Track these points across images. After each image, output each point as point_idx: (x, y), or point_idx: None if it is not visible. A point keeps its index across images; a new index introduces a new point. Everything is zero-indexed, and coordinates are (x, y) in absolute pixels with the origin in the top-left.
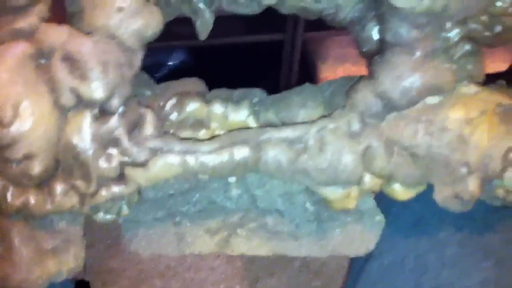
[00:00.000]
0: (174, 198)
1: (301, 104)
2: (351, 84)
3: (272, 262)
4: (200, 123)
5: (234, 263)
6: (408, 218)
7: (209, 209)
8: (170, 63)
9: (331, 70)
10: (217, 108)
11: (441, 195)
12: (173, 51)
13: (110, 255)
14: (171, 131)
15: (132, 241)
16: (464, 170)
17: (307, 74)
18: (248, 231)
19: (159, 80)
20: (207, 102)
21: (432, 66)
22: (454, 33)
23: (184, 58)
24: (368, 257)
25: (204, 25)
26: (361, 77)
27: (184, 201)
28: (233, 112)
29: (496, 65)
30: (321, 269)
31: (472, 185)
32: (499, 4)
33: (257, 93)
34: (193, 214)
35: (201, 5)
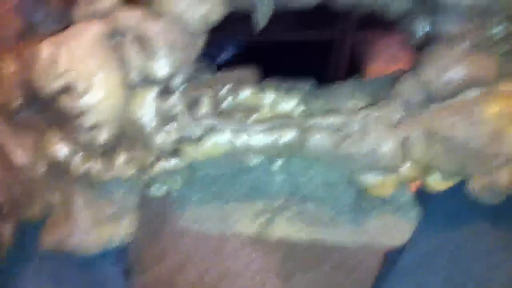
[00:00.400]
0: (221, 180)
1: (349, 95)
2: (396, 79)
3: (309, 256)
4: (252, 109)
5: (272, 256)
6: (444, 211)
7: (253, 193)
8: (223, 57)
9: (380, 72)
10: (269, 96)
11: (476, 185)
12: (227, 46)
13: (151, 241)
14: (225, 114)
15: (180, 218)
16: (498, 161)
17: (355, 75)
18: (290, 216)
19: None
20: (260, 90)
21: (475, 59)
22: (499, 29)
23: (235, 54)
24: (402, 248)
25: (263, 14)
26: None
27: (231, 183)
28: (283, 100)
29: None
30: (358, 265)
31: (505, 176)
32: None
33: (308, 84)
34: (238, 196)
35: None
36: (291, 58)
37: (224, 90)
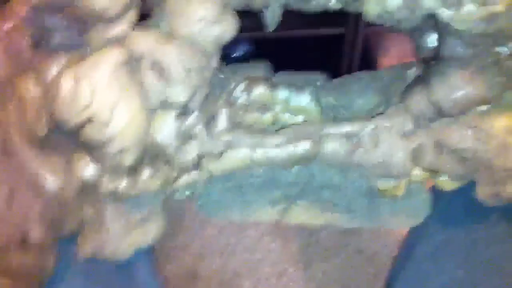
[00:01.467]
0: (240, 171)
1: (360, 92)
2: (407, 72)
3: (328, 244)
4: (265, 107)
5: (290, 247)
6: (460, 200)
7: (270, 182)
8: (235, 54)
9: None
10: (281, 93)
11: (483, 193)
12: (238, 43)
13: (175, 232)
14: (240, 113)
15: (202, 207)
16: (505, 174)
17: (368, 69)
18: (306, 203)
19: None
20: (272, 86)
21: (483, 80)
22: (507, 47)
23: (249, 50)
24: (419, 235)
25: (272, 17)
26: (417, 78)
27: (250, 173)
28: (296, 97)
29: None
30: (374, 256)
31: (511, 188)
32: None
33: (319, 78)
34: (257, 185)
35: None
36: (304, 53)
37: (237, 91)
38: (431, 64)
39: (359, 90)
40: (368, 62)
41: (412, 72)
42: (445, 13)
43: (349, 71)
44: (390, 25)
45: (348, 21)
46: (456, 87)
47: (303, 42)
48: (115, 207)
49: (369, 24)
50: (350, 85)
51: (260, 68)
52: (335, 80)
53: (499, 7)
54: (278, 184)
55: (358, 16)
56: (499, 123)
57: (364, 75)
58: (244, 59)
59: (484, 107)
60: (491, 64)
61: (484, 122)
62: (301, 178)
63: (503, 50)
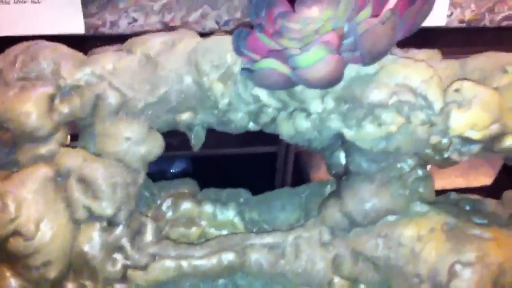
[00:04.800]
0: (166, 285)
1: (281, 208)
2: (324, 188)
3: None
4: (192, 221)
5: None
6: None
7: None
8: (172, 171)
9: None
10: (207, 208)
11: None
12: (175, 161)
13: None
14: (166, 229)
15: None
16: (416, 280)
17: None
18: None
19: None
20: (198, 202)
21: (388, 193)
22: (407, 164)
23: (185, 167)
24: None
25: (197, 138)
26: (331, 193)
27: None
28: (221, 212)
29: (481, 179)
30: None
31: None
32: (444, 141)
33: (243, 194)
34: None
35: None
36: (240, 170)
37: (164, 207)
38: (342, 179)
39: (280, 205)
40: (300, 178)
41: (328, 189)
42: (348, 133)
43: (282, 186)
44: (302, 145)
45: (279, 140)
46: (364, 199)
47: (238, 159)
48: None
49: None
50: (271, 201)
51: (187, 185)
52: (258, 196)
53: (393, 127)
54: None
55: None
56: (407, 232)
57: (284, 191)
58: (181, 175)
59: (392, 217)
60: (394, 179)
61: (394, 231)
62: None
63: (404, 166)
